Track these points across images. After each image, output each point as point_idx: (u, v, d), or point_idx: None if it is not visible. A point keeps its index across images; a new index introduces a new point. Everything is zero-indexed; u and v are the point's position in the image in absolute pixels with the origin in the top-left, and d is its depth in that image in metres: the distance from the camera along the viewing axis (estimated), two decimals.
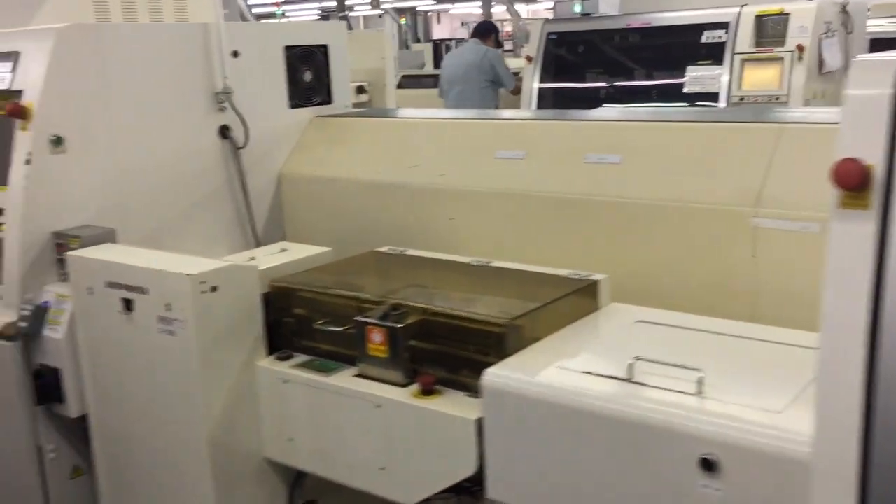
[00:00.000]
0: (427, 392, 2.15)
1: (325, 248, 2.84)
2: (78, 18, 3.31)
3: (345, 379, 2.29)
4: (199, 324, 2.31)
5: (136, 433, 2.55)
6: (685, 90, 6.60)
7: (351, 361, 2.37)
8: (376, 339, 2.24)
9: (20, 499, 2.84)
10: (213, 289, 2.33)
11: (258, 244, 3.38)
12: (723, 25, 6.54)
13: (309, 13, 23.90)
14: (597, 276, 2.36)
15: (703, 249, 2.45)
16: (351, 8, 25.61)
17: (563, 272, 2.44)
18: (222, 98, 3.21)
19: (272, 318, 2.53)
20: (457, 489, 2.12)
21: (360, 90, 4.28)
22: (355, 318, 2.28)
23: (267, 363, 2.45)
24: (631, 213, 2.58)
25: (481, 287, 2.48)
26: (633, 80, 7.20)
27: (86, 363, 2.63)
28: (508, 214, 2.85)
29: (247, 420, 2.44)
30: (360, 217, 3.24)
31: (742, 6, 6.47)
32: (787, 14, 6.34)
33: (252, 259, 2.76)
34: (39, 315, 2.68)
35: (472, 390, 2.12)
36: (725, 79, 6.41)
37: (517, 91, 7.89)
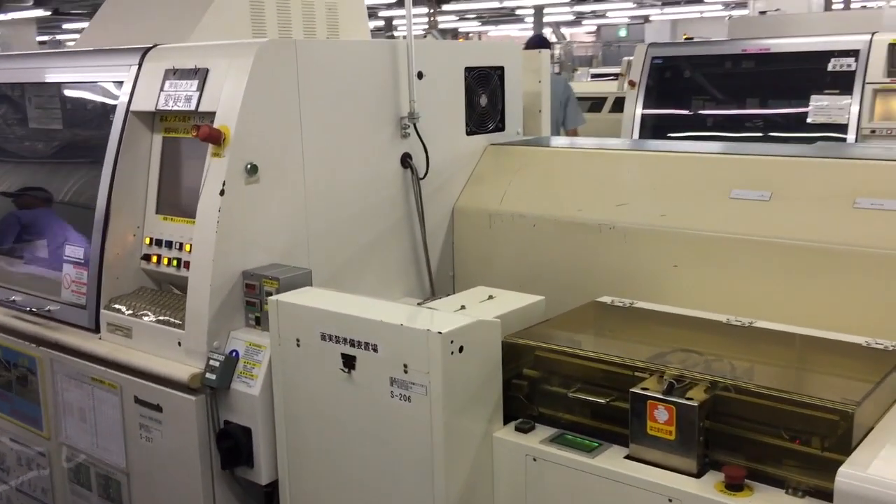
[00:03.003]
0: (734, 487, 1.80)
1: (536, 297, 2.51)
2: (236, 35, 3.04)
3: (616, 462, 1.95)
4: (446, 390, 1.98)
5: None
6: (810, 120, 6.24)
7: (608, 438, 2.03)
8: (661, 418, 1.90)
9: None
10: (461, 349, 2.00)
11: (432, 287, 3.06)
12: (852, 53, 6.19)
13: None
14: None
15: None
16: (396, 27, 25.51)
17: (857, 339, 2.09)
18: (407, 123, 2.90)
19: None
20: None
21: None
22: (631, 391, 1.94)
23: (507, 435, 2.11)
24: None
25: (766, 355, 2.13)
26: (744, 108, 6.86)
27: (282, 424, 2.31)
28: (748, 264, 2.50)
29: None
30: (550, 259, 2.91)
31: (873, 33, 6.11)
32: None
33: (463, 307, 2.44)
34: (230, 366, 2.37)
35: (785, 486, 1.78)
36: (855, 109, 6.06)
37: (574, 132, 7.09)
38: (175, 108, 2.57)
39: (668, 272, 2.64)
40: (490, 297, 2.53)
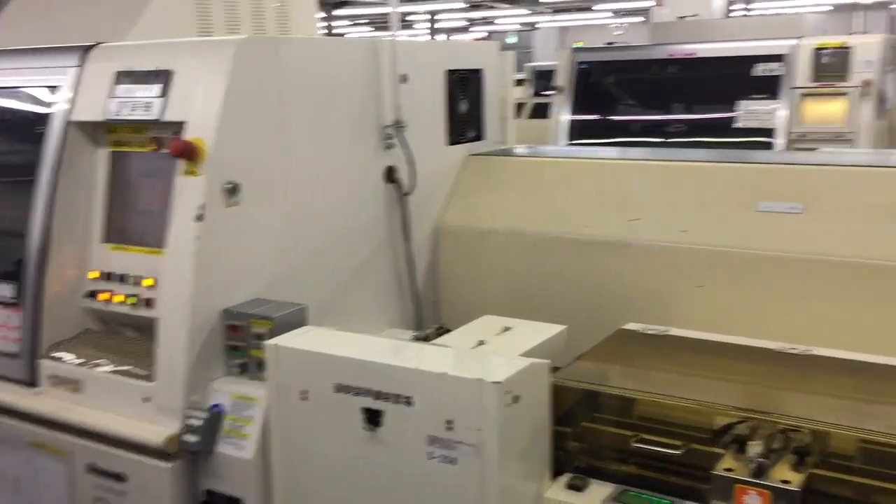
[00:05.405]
0: None
1: (557, 326, 2.24)
2: (179, 34, 2.64)
3: None
4: (502, 448, 1.67)
5: None
6: (739, 125, 6.23)
7: (677, 492, 1.78)
8: None
9: None
10: (516, 399, 1.70)
11: (419, 316, 2.74)
12: (777, 58, 6.22)
13: None
14: None
15: None
16: None
17: None
18: (391, 133, 2.57)
19: None
20: None
21: None
22: (713, 474, 1.67)
23: (561, 495, 1.82)
24: None
25: (851, 390, 1.91)
26: (670, 113, 6.82)
27: (282, 493, 1.94)
28: (782, 284, 2.31)
29: None
30: (554, 281, 2.63)
31: (799, 38, 6.17)
32: (850, 48, 6.08)
33: (482, 342, 2.14)
34: (214, 425, 1.98)
35: None
36: (782, 114, 6.09)
37: None
38: (132, 117, 2.15)
39: (692, 293, 2.42)
40: (506, 329, 2.24)
